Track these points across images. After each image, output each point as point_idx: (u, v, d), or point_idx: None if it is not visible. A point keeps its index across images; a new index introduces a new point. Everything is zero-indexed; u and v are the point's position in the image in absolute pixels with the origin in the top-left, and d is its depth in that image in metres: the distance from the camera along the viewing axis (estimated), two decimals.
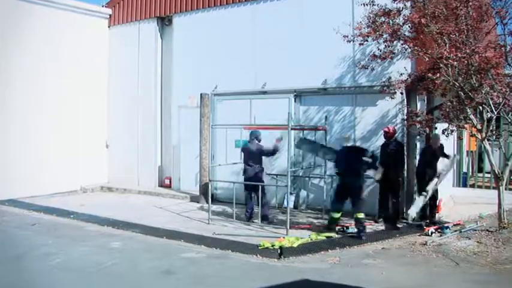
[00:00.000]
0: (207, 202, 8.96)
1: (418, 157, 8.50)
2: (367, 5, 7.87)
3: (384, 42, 7.90)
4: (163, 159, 12.63)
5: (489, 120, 7.40)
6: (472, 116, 7.38)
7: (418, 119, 7.93)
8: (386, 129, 8.21)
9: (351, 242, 7.13)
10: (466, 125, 7.77)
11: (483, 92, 7.03)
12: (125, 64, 12.93)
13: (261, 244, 6.90)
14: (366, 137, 9.17)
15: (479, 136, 7.56)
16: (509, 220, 7.44)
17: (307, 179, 9.66)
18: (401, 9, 7.70)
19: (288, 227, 7.61)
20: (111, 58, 13.28)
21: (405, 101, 8.66)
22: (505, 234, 7.15)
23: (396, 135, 8.30)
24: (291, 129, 7.93)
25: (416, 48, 7.48)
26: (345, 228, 7.82)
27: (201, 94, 10.52)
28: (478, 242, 6.94)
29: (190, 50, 11.62)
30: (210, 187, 8.93)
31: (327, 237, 7.40)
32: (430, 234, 7.36)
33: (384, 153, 8.19)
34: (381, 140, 8.64)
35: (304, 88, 9.73)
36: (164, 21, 12.49)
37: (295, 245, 6.90)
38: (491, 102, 7.09)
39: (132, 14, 12.83)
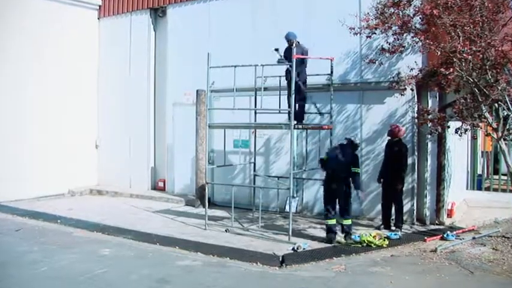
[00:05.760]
0: (204, 206, 8.96)
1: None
2: None
3: (393, 35, 7.90)
4: (157, 160, 12.61)
5: (505, 118, 7.39)
6: (487, 114, 7.37)
7: (430, 117, 7.93)
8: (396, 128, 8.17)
9: (357, 249, 7.12)
10: (480, 124, 7.76)
11: (499, 88, 7.03)
12: (116, 59, 12.90)
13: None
14: (371, 138, 9.15)
15: (494, 135, 7.56)
16: None
17: (310, 181, 9.65)
18: None
19: (291, 233, 7.61)
20: (101, 52, 13.25)
21: (415, 97, 8.66)
22: None
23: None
24: (293, 127, 7.93)
25: (427, 41, 7.46)
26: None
27: (197, 91, 10.49)
28: (493, 248, 6.95)
29: (186, 43, 11.59)
30: (206, 190, 8.93)
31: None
32: None
33: (388, 153, 8.27)
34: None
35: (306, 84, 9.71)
36: (158, 13, 12.48)
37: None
38: (507, 99, 7.09)
39: (123, 5, 12.80)
